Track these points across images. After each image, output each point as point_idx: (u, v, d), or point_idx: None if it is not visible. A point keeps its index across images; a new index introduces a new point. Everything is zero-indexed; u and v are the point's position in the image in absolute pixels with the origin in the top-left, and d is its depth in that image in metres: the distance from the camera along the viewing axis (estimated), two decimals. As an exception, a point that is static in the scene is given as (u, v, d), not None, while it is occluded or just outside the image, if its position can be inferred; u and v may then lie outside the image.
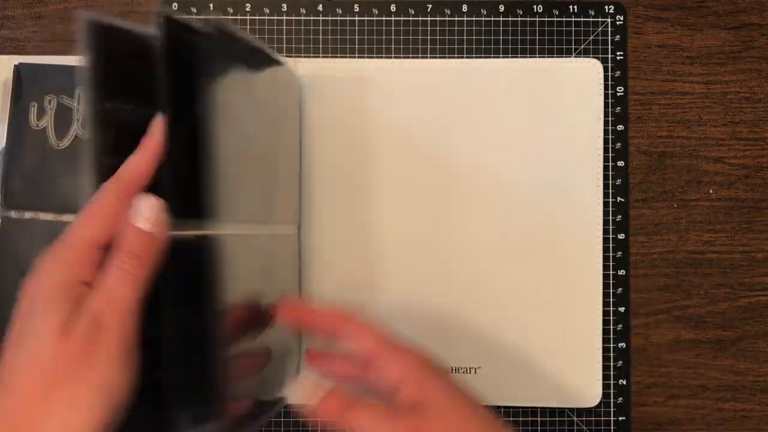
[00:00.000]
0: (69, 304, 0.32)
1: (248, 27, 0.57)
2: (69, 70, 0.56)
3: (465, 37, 0.57)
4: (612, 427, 0.56)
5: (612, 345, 0.56)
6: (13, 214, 0.55)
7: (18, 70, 0.56)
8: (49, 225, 0.55)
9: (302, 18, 0.57)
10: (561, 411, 0.56)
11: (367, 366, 0.40)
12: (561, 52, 0.57)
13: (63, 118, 0.55)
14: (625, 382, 0.56)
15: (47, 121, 0.55)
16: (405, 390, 0.38)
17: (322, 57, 0.57)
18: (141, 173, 0.35)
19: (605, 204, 0.57)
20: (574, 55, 0.57)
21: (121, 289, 0.33)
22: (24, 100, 0.56)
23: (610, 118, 0.57)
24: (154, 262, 0.34)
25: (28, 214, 0.55)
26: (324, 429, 0.55)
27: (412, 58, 0.57)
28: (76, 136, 0.55)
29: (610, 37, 0.57)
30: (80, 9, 0.58)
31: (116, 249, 0.34)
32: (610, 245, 0.57)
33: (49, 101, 0.56)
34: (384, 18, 0.57)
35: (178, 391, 0.34)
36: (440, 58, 0.57)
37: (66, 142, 0.55)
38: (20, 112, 0.55)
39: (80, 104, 0.55)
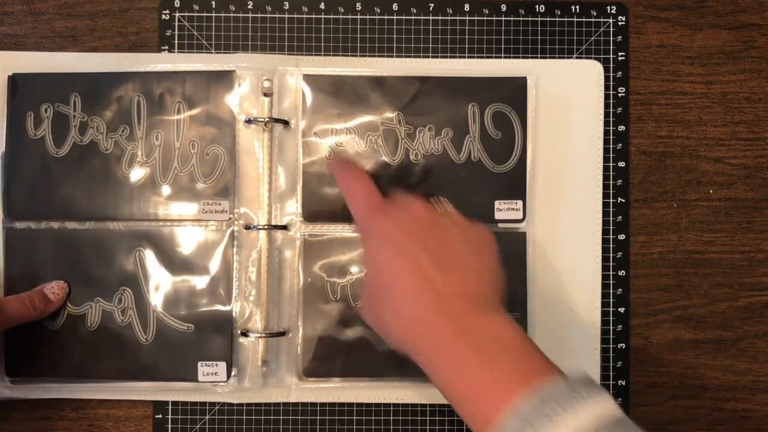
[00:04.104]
0: None
1: (250, 24, 0.59)
2: (64, 77, 0.57)
3: (467, 37, 0.59)
4: (612, 427, 0.57)
5: (611, 345, 0.58)
6: (17, 225, 0.57)
7: (13, 79, 0.57)
8: (54, 233, 0.57)
9: (304, 16, 0.59)
10: (561, 410, 0.58)
11: None
12: (563, 52, 0.59)
13: (60, 125, 0.57)
14: (624, 383, 0.58)
15: (45, 130, 0.57)
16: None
17: (324, 55, 0.59)
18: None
19: (605, 204, 0.59)
20: (575, 55, 0.59)
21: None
22: (20, 109, 0.57)
23: (611, 119, 0.59)
24: (47, 311, 0.55)
25: (32, 224, 0.57)
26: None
27: (414, 57, 0.59)
28: (74, 143, 0.57)
29: (611, 38, 0.59)
30: (80, 5, 0.59)
31: (34, 291, 0.55)
32: (610, 245, 0.59)
33: (46, 110, 0.57)
34: (386, 17, 0.59)
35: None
36: (442, 57, 0.59)
37: (65, 150, 0.57)
38: (17, 122, 0.57)
39: (76, 111, 0.57)
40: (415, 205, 0.47)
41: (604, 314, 0.58)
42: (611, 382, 0.58)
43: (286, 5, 0.59)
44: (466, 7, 0.59)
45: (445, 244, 0.45)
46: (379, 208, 0.47)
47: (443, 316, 0.41)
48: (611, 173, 0.59)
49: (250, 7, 0.59)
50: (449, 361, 0.40)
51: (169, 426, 0.58)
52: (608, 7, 0.59)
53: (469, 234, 0.47)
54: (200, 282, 0.57)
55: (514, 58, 0.59)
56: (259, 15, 0.59)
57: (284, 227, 0.57)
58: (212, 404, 0.58)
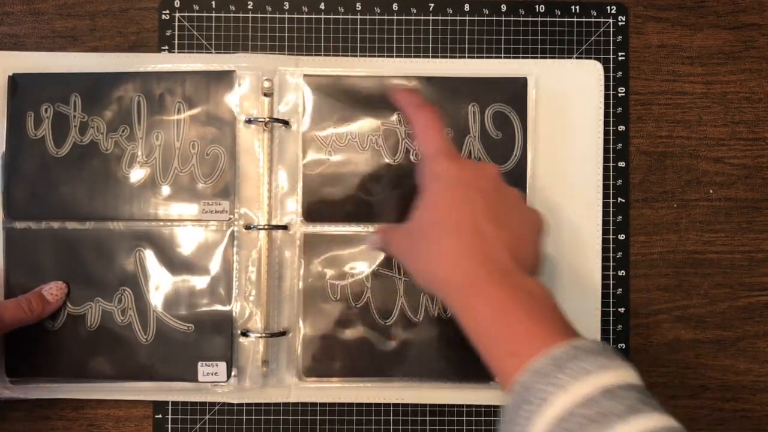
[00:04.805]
0: None
1: (250, 24, 0.59)
2: (64, 77, 0.58)
3: (467, 37, 0.59)
4: (611, 427, 0.58)
5: (612, 345, 0.58)
6: (17, 225, 0.57)
7: (13, 79, 0.58)
8: (54, 233, 0.57)
9: (304, 16, 0.59)
10: (561, 410, 0.58)
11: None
12: (563, 52, 0.59)
13: (60, 125, 0.57)
14: (624, 383, 0.58)
15: (45, 130, 0.57)
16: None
17: (324, 55, 0.59)
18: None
19: (605, 204, 0.59)
20: (575, 55, 0.59)
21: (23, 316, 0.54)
22: (20, 109, 0.57)
23: (611, 119, 0.59)
24: (45, 313, 0.55)
25: (32, 224, 0.57)
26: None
27: (414, 57, 0.59)
28: (74, 143, 0.57)
29: (611, 38, 0.59)
30: (80, 5, 0.59)
31: (32, 293, 0.56)
32: (611, 245, 0.59)
33: (46, 110, 0.57)
34: (386, 17, 0.59)
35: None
36: (442, 57, 0.59)
37: (65, 150, 0.57)
38: (17, 122, 0.57)
39: (77, 111, 0.57)
40: (489, 166, 0.49)
41: (604, 314, 0.58)
42: (611, 382, 0.58)
43: (286, 5, 0.59)
44: (466, 7, 0.59)
45: (503, 207, 0.47)
46: (451, 154, 0.48)
47: (488, 261, 0.44)
48: (611, 173, 0.59)
49: (250, 7, 0.59)
50: (488, 304, 0.42)
51: (169, 426, 0.58)
52: (608, 7, 0.59)
53: (527, 211, 0.50)
54: (200, 282, 0.57)
55: (514, 58, 0.59)
56: (259, 15, 0.59)
57: (284, 227, 0.57)
58: (212, 404, 0.58)
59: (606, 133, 0.59)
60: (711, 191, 0.59)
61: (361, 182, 0.57)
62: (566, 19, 0.59)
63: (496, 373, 0.42)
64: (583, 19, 0.59)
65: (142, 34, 0.59)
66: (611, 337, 0.58)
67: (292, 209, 0.58)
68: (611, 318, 0.59)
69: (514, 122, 0.57)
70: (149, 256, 0.57)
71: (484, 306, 0.42)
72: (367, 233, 0.57)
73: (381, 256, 0.57)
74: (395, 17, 0.59)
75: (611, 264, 0.59)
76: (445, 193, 0.46)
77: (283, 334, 0.57)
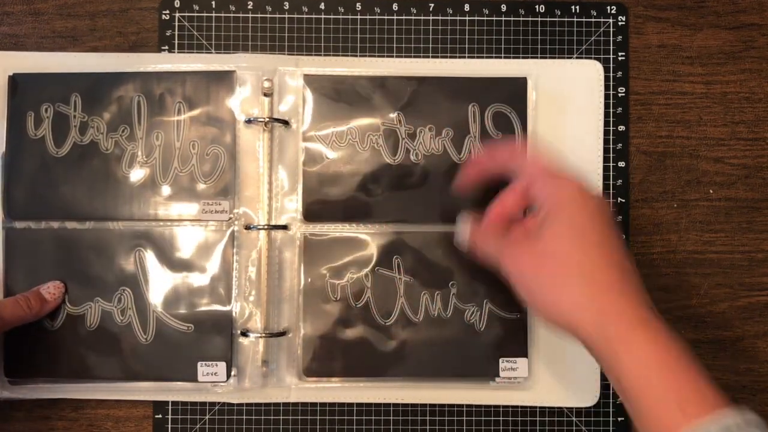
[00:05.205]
0: None
1: (250, 24, 0.59)
2: (64, 77, 0.58)
3: (467, 37, 0.59)
4: (611, 428, 0.58)
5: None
6: (17, 225, 0.57)
7: (13, 79, 0.58)
8: (54, 233, 0.57)
9: (304, 16, 0.59)
10: (560, 411, 0.58)
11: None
12: (563, 52, 0.59)
13: (60, 125, 0.57)
14: (625, 383, 0.58)
15: (45, 130, 0.57)
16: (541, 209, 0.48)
17: (324, 55, 0.59)
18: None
19: (605, 204, 0.59)
20: (575, 55, 0.59)
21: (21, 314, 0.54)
22: (20, 109, 0.57)
23: (611, 119, 0.59)
24: (43, 311, 0.55)
25: (32, 224, 0.57)
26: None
27: (414, 57, 0.59)
28: (74, 143, 0.57)
29: (611, 38, 0.59)
30: (80, 5, 0.59)
31: (30, 292, 0.56)
32: (611, 245, 0.59)
33: (46, 110, 0.57)
34: (386, 17, 0.59)
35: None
36: (442, 57, 0.59)
37: (65, 150, 0.57)
38: (17, 122, 0.57)
39: (77, 111, 0.57)
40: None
41: (604, 314, 0.58)
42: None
43: (286, 5, 0.59)
44: (466, 7, 0.59)
45: None
46: (578, 180, 0.48)
47: (649, 303, 0.44)
48: (611, 173, 0.59)
49: (250, 7, 0.59)
50: (654, 351, 0.42)
51: (169, 426, 0.58)
52: (608, 7, 0.59)
53: None
54: (200, 282, 0.57)
55: (514, 58, 0.59)
56: (259, 15, 0.59)
57: (284, 227, 0.57)
58: (212, 404, 0.58)
59: (606, 133, 0.59)
60: (711, 191, 0.59)
61: (361, 182, 0.57)
62: (566, 19, 0.59)
63: (648, 415, 0.41)
64: (583, 19, 0.59)
65: (142, 34, 0.59)
66: (611, 337, 0.58)
67: (291, 209, 0.58)
68: (611, 318, 0.58)
69: (514, 122, 0.57)
70: (149, 256, 0.57)
71: (648, 351, 0.42)
72: (367, 234, 0.57)
73: (378, 256, 0.57)
74: (395, 17, 0.59)
75: (611, 264, 0.59)
76: (590, 220, 0.46)
77: (283, 334, 0.57)
